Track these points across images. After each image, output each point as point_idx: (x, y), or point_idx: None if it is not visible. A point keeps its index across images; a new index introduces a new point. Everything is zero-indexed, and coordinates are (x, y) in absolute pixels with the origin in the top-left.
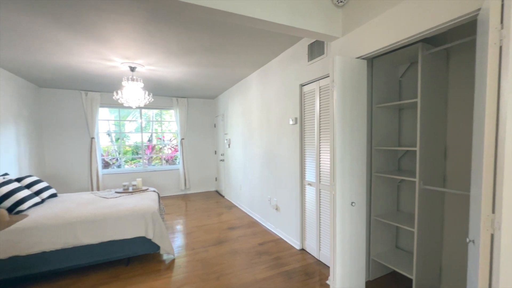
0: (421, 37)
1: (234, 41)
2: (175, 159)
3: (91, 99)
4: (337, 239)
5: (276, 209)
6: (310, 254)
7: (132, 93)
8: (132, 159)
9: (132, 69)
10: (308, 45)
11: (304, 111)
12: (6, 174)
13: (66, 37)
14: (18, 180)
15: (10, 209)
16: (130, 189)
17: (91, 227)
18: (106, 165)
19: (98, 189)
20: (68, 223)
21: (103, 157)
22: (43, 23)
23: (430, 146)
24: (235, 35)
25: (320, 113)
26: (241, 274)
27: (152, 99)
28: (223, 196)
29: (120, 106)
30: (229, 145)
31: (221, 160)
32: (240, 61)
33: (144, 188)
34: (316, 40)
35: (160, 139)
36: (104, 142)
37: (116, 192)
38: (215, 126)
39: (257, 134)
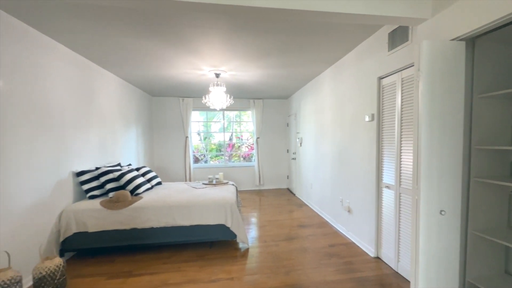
0: None
1: (307, 39)
2: (251, 157)
3: (186, 104)
4: (421, 251)
5: (348, 211)
6: (386, 263)
7: (217, 97)
8: (216, 156)
9: (217, 75)
10: (389, 34)
11: (382, 107)
12: (129, 164)
13: (169, 53)
14: (137, 169)
15: (132, 192)
16: (214, 181)
17: (184, 211)
18: (196, 160)
19: (190, 180)
20: (168, 206)
21: (194, 154)
22: (155, 43)
23: None
24: (308, 33)
25: (402, 108)
26: (310, 273)
27: (233, 101)
28: (294, 194)
29: (207, 109)
30: (300, 143)
31: (293, 159)
32: (312, 59)
33: (224, 181)
34: (399, 27)
35: (239, 138)
36: (195, 141)
37: (203, 184)
38: (287, 126)
39: (329, 133)
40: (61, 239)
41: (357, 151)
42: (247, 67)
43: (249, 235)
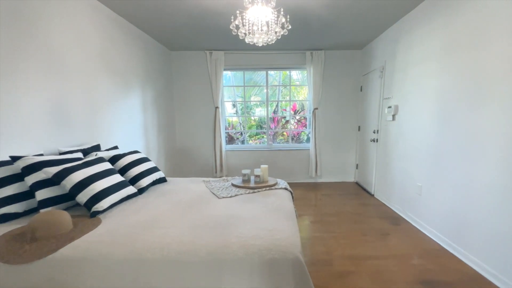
0: None
1: None
2: (301, 136)
3: (215, 60)
4: None
5: None
6: None
7: (259, 17)
8: (256, 134)
9: None
10: None
11: None
12: (115, 147)
13: None
14: (118, 157)
15: (88, 205)
16: (252, 182)
17: (174, 275)
18: (230, 139)
19: (221, 167)
20: (138, 259)
21: (227, 131)
22: None
23: None
24: None
25: None
26: None
27: (289, 26)
28: (372, 194)
29: (245, 67)
30: (393, 116)
31: (372, 140)
32: None
33: (271, 181)
34: None
35: (286, 110)
36: (228, 114)
37: (233, 185)
38: (361, 90)
39: (501, 90)
40: None
41: None
42: None
43: None
